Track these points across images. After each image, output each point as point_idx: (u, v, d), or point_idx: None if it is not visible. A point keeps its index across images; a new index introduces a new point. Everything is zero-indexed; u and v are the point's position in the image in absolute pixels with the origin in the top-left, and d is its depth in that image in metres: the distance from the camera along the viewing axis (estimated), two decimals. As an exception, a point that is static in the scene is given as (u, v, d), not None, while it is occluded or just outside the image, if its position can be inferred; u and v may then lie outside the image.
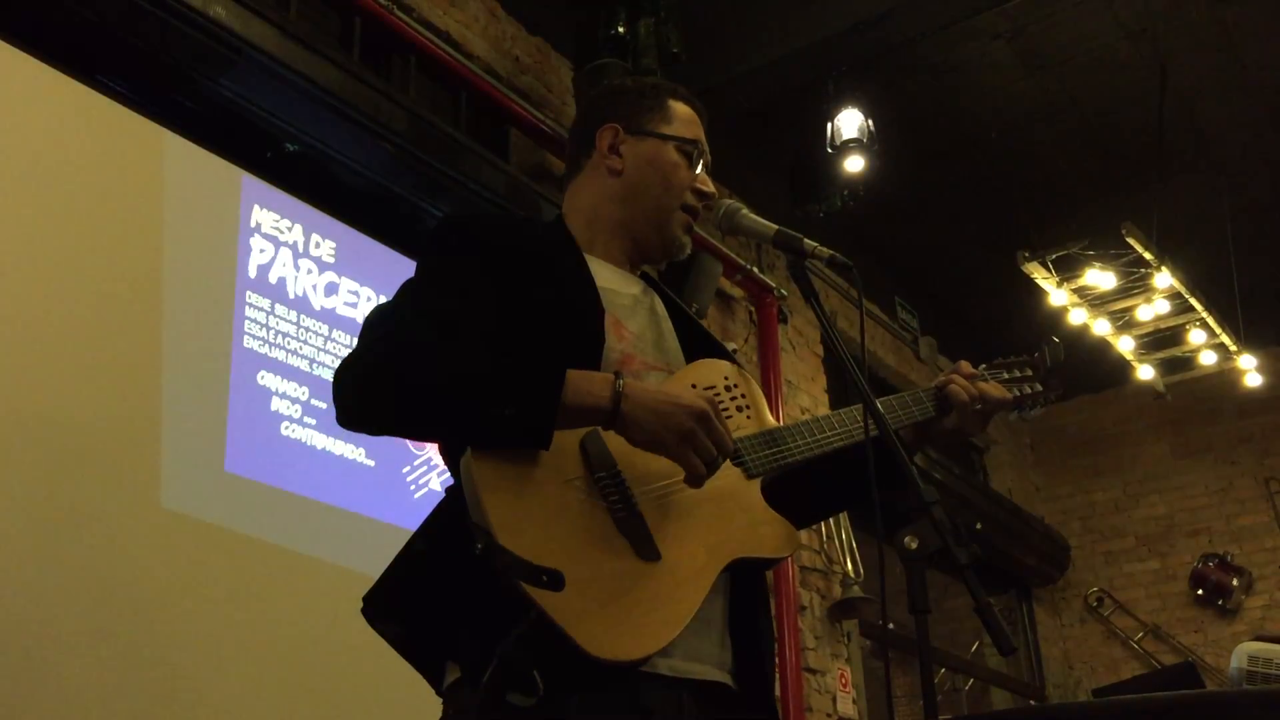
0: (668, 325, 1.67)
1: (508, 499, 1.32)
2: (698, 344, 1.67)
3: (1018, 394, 1.78)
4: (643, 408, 1.37)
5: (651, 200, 1.67)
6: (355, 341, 1.44)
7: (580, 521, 1.37)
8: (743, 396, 1.60)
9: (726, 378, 1.60)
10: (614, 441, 1.42)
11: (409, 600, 1.43)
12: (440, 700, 1.46)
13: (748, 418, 1.60)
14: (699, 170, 1.69)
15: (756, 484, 1.56)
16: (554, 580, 1.28)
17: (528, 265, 1.54)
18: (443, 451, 1.53)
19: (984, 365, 1.78)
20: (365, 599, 1.45)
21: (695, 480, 1.40)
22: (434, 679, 1.46)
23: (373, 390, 1.38)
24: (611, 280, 1.62)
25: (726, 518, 1.49)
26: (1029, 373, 1.82)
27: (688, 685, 1.41)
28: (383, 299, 2.82)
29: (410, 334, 1.40)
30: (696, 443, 1.38)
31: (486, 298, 1.48)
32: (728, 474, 1.46)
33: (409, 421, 1.45)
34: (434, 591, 1.40)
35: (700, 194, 1.69)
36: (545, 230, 1.69)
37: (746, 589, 1.53)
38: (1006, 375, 1.80)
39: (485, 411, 1.33)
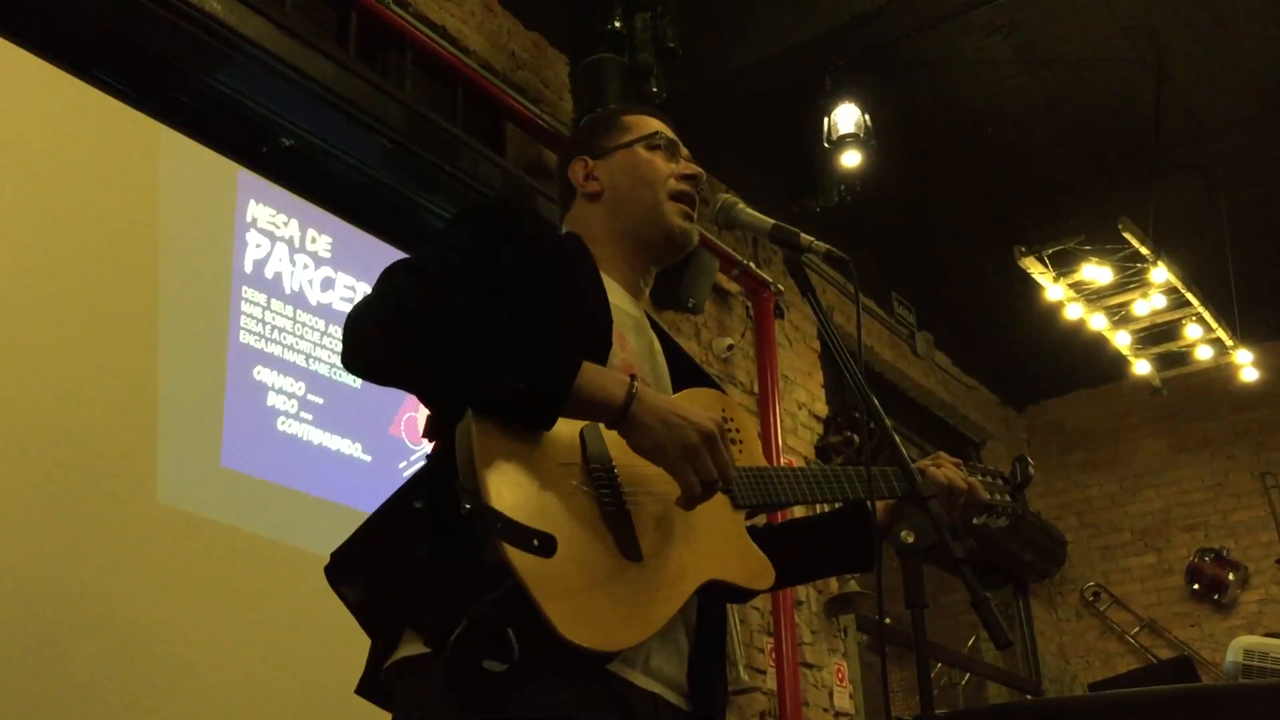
0: (659, 351, 1.69)
1: (501, 465, 1.30)
2: (690, 376, 1.69)
3: (989, 498, 1.78)
4: (652, 414, 1.36)
5: (638, 200, 1.69)
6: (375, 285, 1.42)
7: (569, 503, 1.35)
8: (736, 431, 1.61)
9: (724, 410, 1.60)
10: (613, 442, 1.41)
11: (377, 560, 1.40)
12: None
13: (739, 451, 1.61)
14: (675, 158, 1.72)
15: (741, 515, 1.57)
16: (545, 545, 1.25)
17: (552, 262, 1.55)
18: (432, 418, 1.48)
19: (961, 464, 1.77)
20: (331, 557, 1.42)
21: (689, 500, 1.37)
22: (385, 649, 1.41)
23: (392, 335, 1.35)
24: (617, 298, 1.63)
25: (708, 539, 1.49)
26: (999, 482, 1.86)
27: (660, 700, 1.40)
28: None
29: (435, 289, 1.39)
30: (698, 461, 1.35)
31: (509, 280, 1.48)
32: (715, 500, 1.45)
33: (418, 373, 1.38)
34: (405, 553, 1.36)
35: (685, 177, 1.71)
36: (566, 238, 1.69)
37: (710, 626, 1.51)
38: (980, 478, 1.80)
39: (498, 380, 1.31)
